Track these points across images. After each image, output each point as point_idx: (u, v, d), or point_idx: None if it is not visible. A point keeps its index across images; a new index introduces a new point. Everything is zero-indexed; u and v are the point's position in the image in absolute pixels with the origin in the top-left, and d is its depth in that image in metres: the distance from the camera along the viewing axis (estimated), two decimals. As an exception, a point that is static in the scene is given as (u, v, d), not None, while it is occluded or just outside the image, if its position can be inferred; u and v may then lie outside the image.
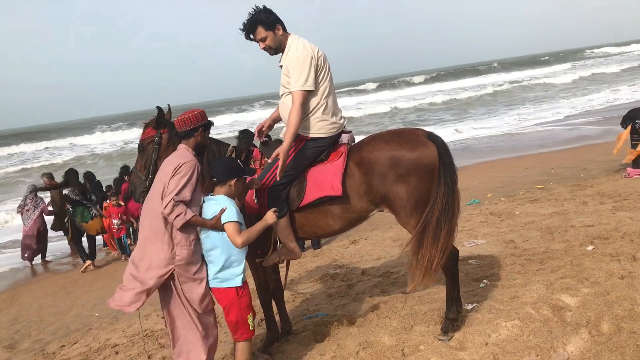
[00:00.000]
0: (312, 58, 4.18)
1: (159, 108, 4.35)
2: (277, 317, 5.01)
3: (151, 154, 4.34)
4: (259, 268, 4.59)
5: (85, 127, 61.03)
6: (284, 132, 4.25)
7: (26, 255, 11.32)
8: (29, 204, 11.52)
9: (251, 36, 4.30)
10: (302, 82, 4.14)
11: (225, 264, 3.85)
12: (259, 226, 3.91)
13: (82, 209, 10.42)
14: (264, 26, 4.22)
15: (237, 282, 3.89)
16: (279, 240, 4.47)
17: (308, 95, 4.21)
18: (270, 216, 3.94)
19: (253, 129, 5.32)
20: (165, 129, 4.35)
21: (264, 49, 4.32)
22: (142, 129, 4.48)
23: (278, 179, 4.13)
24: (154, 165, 4.31)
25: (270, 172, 4.24)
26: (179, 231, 3.76)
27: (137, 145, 4.49)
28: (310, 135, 4.33)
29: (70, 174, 10.78)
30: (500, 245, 6.75)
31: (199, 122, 3.94)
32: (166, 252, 3.77)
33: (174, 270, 3.79)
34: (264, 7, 4.24)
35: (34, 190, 11.63)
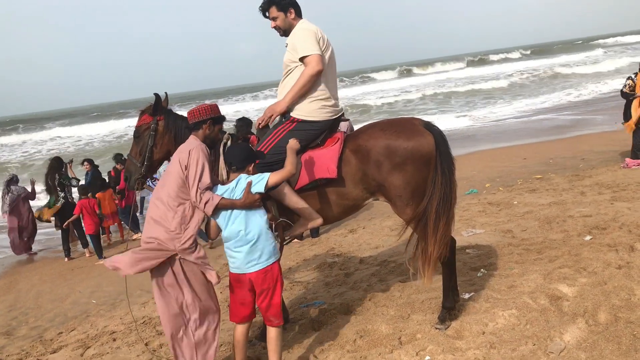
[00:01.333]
0: (315, 33, 4.28)
1: (156, 95, 4.34)
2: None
3: (147, 140, 4.34)
4: None
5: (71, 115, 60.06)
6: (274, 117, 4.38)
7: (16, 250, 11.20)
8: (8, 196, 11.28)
9: (266, 14, 4.48)
10: (310, 48, 4.21)
11: (267, 240, 3.84)
12: (290, 158, 3.91)
13: (52, 197, 10.47)
14: (277, 7, 4.41)
15: (278, 253, 3.95)
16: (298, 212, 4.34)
17: (321, 58, 4.23)
18: (294, 142, 3.99)
19: (250, 117, 5.34)
20: (161, 116, 4.35)
21: (274, 28, 4.49)
22: (137, 116, 4.47)
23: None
24: (150, 152, 4.31)
25: (263, 143, 4.29)
26: (195, 217, 3.79)
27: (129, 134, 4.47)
28: (302, 118, 4.34)
29: (52, 161, 10.89)
30: (498, 234, 6.76)
31: (208, 115, 3.92)
32: (172, 235, 3.77)
33: (177, 255, 3.80)
34: None
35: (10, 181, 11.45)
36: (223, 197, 3.77)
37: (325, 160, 4.26)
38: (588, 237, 5.97)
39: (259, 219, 3.84)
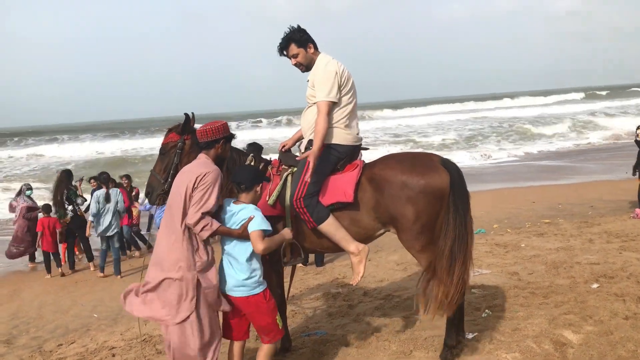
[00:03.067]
0: (336, 73, 4.37)
1: (186, 114, 4.44)
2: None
3: (173, 158, 4.44)
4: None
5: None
6: (303, 143, 4.48)
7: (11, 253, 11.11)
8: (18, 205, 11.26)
9: (284, 52, 4.55)
10: (326, 93, 4.33)
11: (252, 272, 3.92)
12: (278, 238, 4.05)
13: (60, 210, 10.49)
14: (297, 44, 4.48)
15: (264, 286, 3.99)
16: (338, 244, 4.40)
17: (332, 106, 4.37)
18: (287, 232, 4.14)
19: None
20: (188, 136, 4.44)
21: (296, 65, 4.58)
22: (164, 134, 4.57)
23: (308, 179, 4.21)
24: (175, 170, 4.37)
25: (300, 181, 4.31)
26: (200, 241, 3.82)
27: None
28: (326, 142, 4.42)
29: (61, 174, 10.90)
30: (505, 276, 6.73)
31: (221, 135, 3.97)
32: (185, 260, 3.80)
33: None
34: (298, 26, 4.53)
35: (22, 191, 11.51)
36: (221, 225, 3.82)
37: (343, 184, 4.34)
38: (595, 285, 5.93)
39: (247, 247, 3.89)
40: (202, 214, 3.72)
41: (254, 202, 3.99)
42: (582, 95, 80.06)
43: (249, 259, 3.91)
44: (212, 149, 3.97)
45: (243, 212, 3.89)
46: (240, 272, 3.90)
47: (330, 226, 4.29)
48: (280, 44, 4.53)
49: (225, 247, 3.96)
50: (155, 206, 8.03)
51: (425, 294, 4.27)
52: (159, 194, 4.46)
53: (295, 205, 4.29)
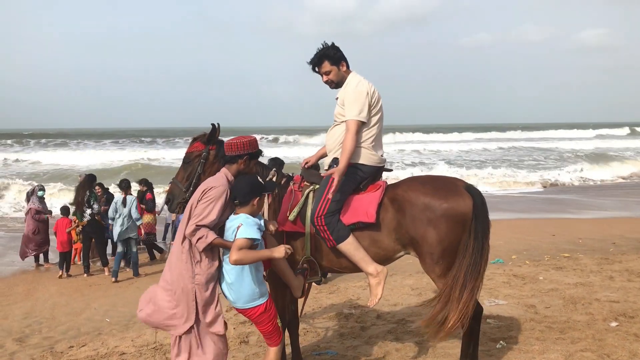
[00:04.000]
0: (367, 93, 4.37)
1: (213, 125, 4.47)
2: (287, 349, 4.96)
3: (196, 167, 4.46)
4: (278, 298, 4.57)
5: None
6: (327, 161, 4.48)
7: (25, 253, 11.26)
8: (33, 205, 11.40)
9: (316, 69, 4.55)
10: (356, 112, 4.32)
11: (254, 284, 3.90)
12: (260, 254, 3.84)
13: (78, 213, 10.62)
14: (330, 61, 4.48)
15: (265, 297, 3.97)
16: (358, 265, 4.37)
17: (361, 125, 4.36)
18: (278, 251, 3.83)
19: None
20: (214, 146, 4.46)
21: (326, 82, 4.57)
22: (190, 142, 4.60)
23: (330, 197, 4.20)
24: (197, 179, 4.40)
25: (322, 198, 4.30)
26: (201, 253, 3.84)
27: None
28: (352, 162, 4.40)
29: (85, 178, 11.12)
30: (521, 308, 6.62)
31: (245, 150, 3.96)
32: (186, 271, 3.86)
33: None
34: (332, 43, 4.53)
35: (34, 192, 11.64)
36: (217, 237, 3.80)
37: (365, 204, 4.32)
38: (614, 324, 5.80)
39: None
40: (197, 225, 3.75)
41: (253, 214, 3.90)
42: (627, 130, 78.38)
43: (244, 272, 3.87)
44: (234, 164, 3.99)
45: (234, 223, 3.84)
46: (244, 285, 3.88)
47: (350, 246, 4.26)
48: (313, 59, 4.51)
49: (223, 260, 3.95)
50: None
51: (432, 316, 4.21)
52: (179, 202, 4.47)
53: (316, 223, 4.28)
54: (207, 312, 3.89)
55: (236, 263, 3.71)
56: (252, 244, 3.77)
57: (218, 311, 3.93)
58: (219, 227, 3.90)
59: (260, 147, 4.16)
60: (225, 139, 4.27)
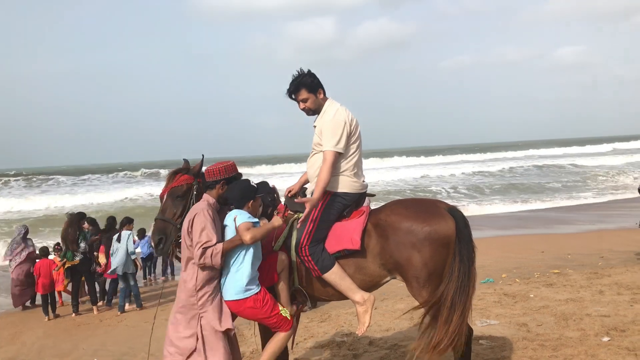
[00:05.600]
0: (345, 123, 4.36)
1: (202, 155, 4.50)
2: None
3: (190, 201, 4.36)
4: (266, 330, 4.52)
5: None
6: (312, 188, 4.46)
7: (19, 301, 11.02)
8: (18, 248, 11.09)
9: (293, 96, 4.53)
10: (334, 143, 4.31)
11: (252, 274, 4.06)
12: (267, 227, 4.09)
13: (69, 252, 10.42)
14: (307, 88, 4.46)
15: (255, 290, 4.09)
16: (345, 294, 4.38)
17: (338, 156, 4.36)
18: (277, 220, 4.15)
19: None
20: (200, 179, 4.44)
21: (303, 109, 4.55)
22: (170, 177, 4.50)
23: (314, 228, 4.24)
24: None
25: (306, 228, 4.29)
26: (205, 273, 4.02)
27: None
28: (334, 191, 4.41)
29: (73, 215, 10.93)
30: (513, 327, 6.59)
31: (221, 176, 4.14)
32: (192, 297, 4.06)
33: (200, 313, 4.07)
34: (309, 71, 4.51)
35: (25, 233, 11.43)
36: (224, 242, 3.98)
37: (349, 231, 4.30)
38: (606, 339, 5.80)
39: (251, 253, 4.08)
40: (204, 248, 3.88)
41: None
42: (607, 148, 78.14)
43: (235, 264, 4.04)
44: (214, 189, 4.17)
45: (229, 220, 4.07)
46: (243, 276, 4.04)
47: (335, 275, 4.24)
48: (290, 87, 4.49)
49: (232, 254, 4.10)
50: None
51: (421, 338, 4.19)
52: (173, 241, 4.36)
53: (300, 253, 4.27)
54: (210, 319, 4.07)
55: (253, 240, 3.96)
56: (253, 225, 4.02)
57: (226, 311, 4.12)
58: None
59: (239, 171, 4.32)
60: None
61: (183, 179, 4.39)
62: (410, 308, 4.45)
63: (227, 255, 4.04)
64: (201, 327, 4.04)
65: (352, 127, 4.41)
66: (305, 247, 4.24)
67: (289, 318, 4.17)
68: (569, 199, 24.87)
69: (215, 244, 3.93)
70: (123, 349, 7.79)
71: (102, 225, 11.60)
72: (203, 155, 4.49)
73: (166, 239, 4.34)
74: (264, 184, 7.04)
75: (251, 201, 4.13)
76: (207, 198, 4.15)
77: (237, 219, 4.01)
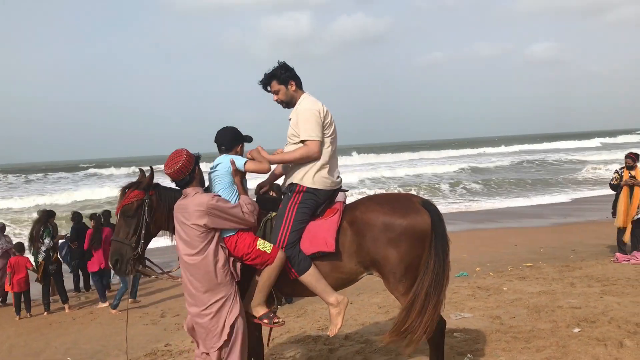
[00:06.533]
0: (319, 112, 4.34)
1: (151, 168, 4.31)
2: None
3: (143, 217, 4.15)
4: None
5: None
6: (285, 182, 4.49)
7: None
8: None
9: (268, 88, 4.54)
10: (310, 132, 4.31)
11: None
12: (261, 160, 4.26)
13: (34, 250, 10.29)
14: (278, 80, 4.46)
15: (235, 230, 4.17)
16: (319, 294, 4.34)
17: (319, 145, 4.33)
18: (257, 150, 4.31)
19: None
20: (153, 191, 4.24)
21: (276, 101, 4.54)
22: (121, 194, 4.25)
23: (289, 229, 4.22)
24: (147, 230, 4.17)
25: (281, 229, 4.25)
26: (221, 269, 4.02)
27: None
28: (308, 186, 4.36)
29: (41, 213, 10.75)
30: (487, 320, 6.67)
31: (192, 163, 4.07)
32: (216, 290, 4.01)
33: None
34: (283, 63, 4.50)
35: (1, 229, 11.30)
36: (244, 196, 4.19)
37: (324, 232, 4.24)
38: (577, 330, 5.90)
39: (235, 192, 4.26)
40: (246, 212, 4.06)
41: None
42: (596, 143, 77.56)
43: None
44: (194, 180, 4.09)
45: (224, 162, 4.19)
46: None
47: (312, 277, 4.21)
48: (262, 80, 4.51)
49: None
50: None
51: (394, 328, 4.20)
52: (129, 260, 4.13)
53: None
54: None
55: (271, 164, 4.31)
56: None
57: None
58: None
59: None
60: (161, 168, 4.33)
61: (133, 196, 4.16)
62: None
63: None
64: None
65: (326, 121, 4.39)
66: (282, 251, 4.21)
67: (269, 252, 4.10)
68: (544, 195, 25.24)
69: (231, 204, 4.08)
70: (96, 347, 7.69)
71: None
72: (151, 168, 4.31)
73: (122, 259, 4.16)
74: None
75: (240, 145, 4.29)
76: (195, 189, 4.05)
77: (235, 161, 4.16)
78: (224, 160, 4.19)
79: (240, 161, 4.18)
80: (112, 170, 56.53)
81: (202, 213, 3.90)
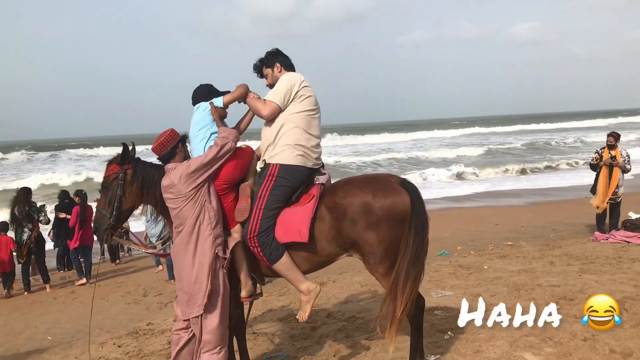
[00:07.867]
0: (291, 83, 4.33)
1: (124, 144, 4.36)
2: (236, 355, 4.88)
3: (116, 190, 4.29)
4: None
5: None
6: (261, 163, 4.46)
7: None
8: None
9: (259, 75, 4.62)
10: (273, 95, 4.34)
11: None
12: (237, 92, 4.38)
13: (19, 229, 10.16)
14: (265, 65, 4.54)
15: None
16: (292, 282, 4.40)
17: (277, 108, 4.33)
18: (242, 86, 4.41)
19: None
20: (129, 165, 4.34)
21: (268, 86, 4.56)
22: (105, 167, 4.45)
23: (260, 215, 4.18)
24: (119, 202, 4.30)
25: (253, 216, 4.21)
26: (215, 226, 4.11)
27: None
28: (280, 163, 4.29)
29: (20, 191, 10.57)
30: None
31: (175, 140, 4.21)
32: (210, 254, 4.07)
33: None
34: (275, 49, 4.58)
35: None
36: (222, 128, 4.26)
37: (297, 221, 4.18)
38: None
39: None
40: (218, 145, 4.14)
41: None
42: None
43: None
44: (176, 155, 4.21)
45: (199, 111, 4.33)
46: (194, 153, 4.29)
47: (283, 266, 4.22)
48: (255, 67, 4.59)
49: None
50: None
51: (382, 315, 4.22)
52: (105, 229, 4.30)
53: (249, 244, 4.21)
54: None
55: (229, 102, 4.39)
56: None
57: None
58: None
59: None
60: (149, 147, 4.40)
61: (110, 169, 4.37)
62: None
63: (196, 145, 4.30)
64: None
65: (299, 88, 4.33)
66: (254, 238, 4.16)
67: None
68: (526, 175, 25.48)
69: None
70: (77, 326, 7.65)
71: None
72: (124, 144, 4.36)
73: (99, 227, 4.35)
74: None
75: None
76: (176, 164, 4.15)
77: (213, 101, 4.30)
78: (203, 104, 4.34)
79: (218, 101, 4.32)
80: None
81: (187, 180, 4.04)
